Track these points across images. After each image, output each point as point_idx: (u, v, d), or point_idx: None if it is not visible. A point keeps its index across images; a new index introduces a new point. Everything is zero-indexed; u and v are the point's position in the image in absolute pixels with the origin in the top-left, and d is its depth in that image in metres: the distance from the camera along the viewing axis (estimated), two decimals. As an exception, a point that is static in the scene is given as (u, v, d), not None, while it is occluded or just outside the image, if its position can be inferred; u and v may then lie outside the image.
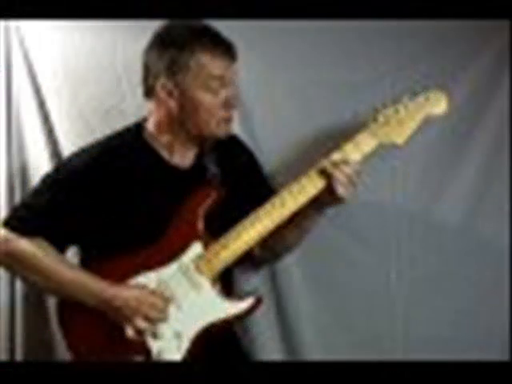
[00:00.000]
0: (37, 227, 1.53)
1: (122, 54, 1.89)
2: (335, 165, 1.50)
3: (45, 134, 1.96)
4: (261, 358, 1.83)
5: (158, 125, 1.60)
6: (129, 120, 1.69)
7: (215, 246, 1.53)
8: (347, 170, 1.49)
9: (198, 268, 1.52)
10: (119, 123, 1.69)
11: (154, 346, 1.50)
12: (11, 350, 2.02)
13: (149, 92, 1.58)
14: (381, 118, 1.54)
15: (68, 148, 1.90)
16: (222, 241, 1.53)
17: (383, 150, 1.56)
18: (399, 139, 1.54)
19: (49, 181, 1.58)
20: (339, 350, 1.82)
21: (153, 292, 1.50)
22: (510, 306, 1.75)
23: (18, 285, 2.01)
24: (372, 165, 1.61)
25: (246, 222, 1.52)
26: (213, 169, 1.62)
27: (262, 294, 1.60)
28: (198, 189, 1.57)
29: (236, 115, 1.67)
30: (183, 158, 1.62)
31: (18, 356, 2.02)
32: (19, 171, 2.02)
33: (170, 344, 1.50)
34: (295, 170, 1.61)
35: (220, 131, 1.58)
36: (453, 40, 1.75)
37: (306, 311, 1.83)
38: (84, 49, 1.92)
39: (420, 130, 1.55)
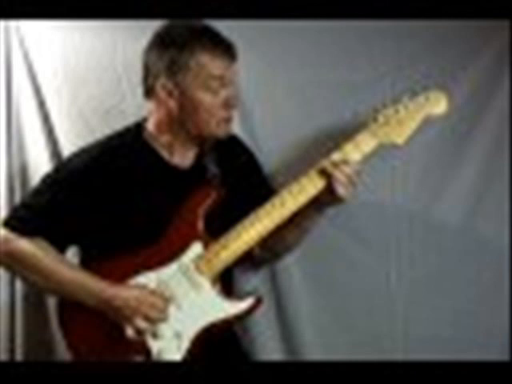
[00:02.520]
0: (37, 227, 1.53)
1: (122, 54, 1.89)
2: (335, 165, 1.50)
3: (45, 134, 1.96)
4: (261, 358, 1.82)
5: (158, 125, 1.60)
6: (129, 120, 1.69)
7: (215, 246, 1.53)
8: (347, 170, 1.49)
9: (197, 268, 1.52)
10: (119, 123, 1.69)
11: (154, 345, 1.50)
12: (11, 350, 2.02)
13: (149, 92, 1.58)
14: (381, 118, 1.54)
15: (68, 148, 1.90)
16: (222, 241, 1.53)
17: (383, 150, 1.56)
18: (399, 139, 1.54)
19: (49, 181, 1.58)
20: (339, 349, 1.82)
21: (153, 292, 1.50)
22: (510, 305, 1.75)
23: (18, 285, 2.01)
24: (372, 165, 1.61)
25: (246, 222, 1.52)
26: (213, 169, 1.62)
27: (262, 294, 1.61)
28: (198, 189, 1.57)
29: (236, 115, 1.67)
30: (183, 158, 1.62)
31: (18, 356, 2.02)
32: (19, 171, 2.02)
33: (170, 344, 1.50)
34: (295, 169, 1.61)
35: (220, 131, 1.58)
36: (453, 40, 1.75)
37: (306, 311, 1.83)
38: (84, 49, 1.92)
39: (420, 129, 1.55)
